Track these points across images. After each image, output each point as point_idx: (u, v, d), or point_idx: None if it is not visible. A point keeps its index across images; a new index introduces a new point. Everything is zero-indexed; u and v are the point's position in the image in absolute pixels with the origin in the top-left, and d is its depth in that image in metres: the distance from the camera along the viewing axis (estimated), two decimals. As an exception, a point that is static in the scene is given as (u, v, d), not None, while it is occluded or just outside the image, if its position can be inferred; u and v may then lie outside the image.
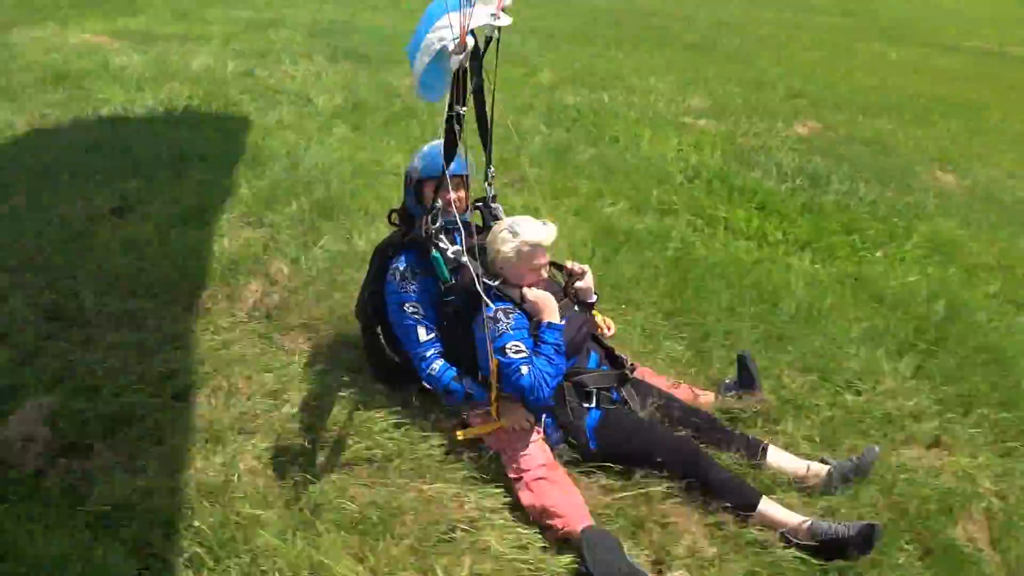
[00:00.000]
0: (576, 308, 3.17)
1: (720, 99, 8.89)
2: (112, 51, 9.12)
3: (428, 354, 3.07)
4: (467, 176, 3.21)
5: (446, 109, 2.67)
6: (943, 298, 4.74)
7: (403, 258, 3.14)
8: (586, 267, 3.27)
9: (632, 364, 3.25)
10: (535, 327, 2.93)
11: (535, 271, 3.06)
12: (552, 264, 3.23)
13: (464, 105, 2.65)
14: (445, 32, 2.55)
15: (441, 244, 2.99)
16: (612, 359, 3.25)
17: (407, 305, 3.10)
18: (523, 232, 3.00)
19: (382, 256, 3.29)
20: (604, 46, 11.98)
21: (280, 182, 5.43)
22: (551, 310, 2.94)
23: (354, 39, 10.72)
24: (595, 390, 3.05)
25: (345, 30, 11.60)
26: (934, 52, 14.69)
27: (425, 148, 3.22)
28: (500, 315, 2.89)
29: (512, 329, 2.88)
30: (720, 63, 11.02)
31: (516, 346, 2.84)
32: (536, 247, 3.01)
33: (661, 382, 3.40)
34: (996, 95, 11.31)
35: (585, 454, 2.97)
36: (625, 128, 7.49)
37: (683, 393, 3.36)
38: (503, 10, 2.57)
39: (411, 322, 3.10)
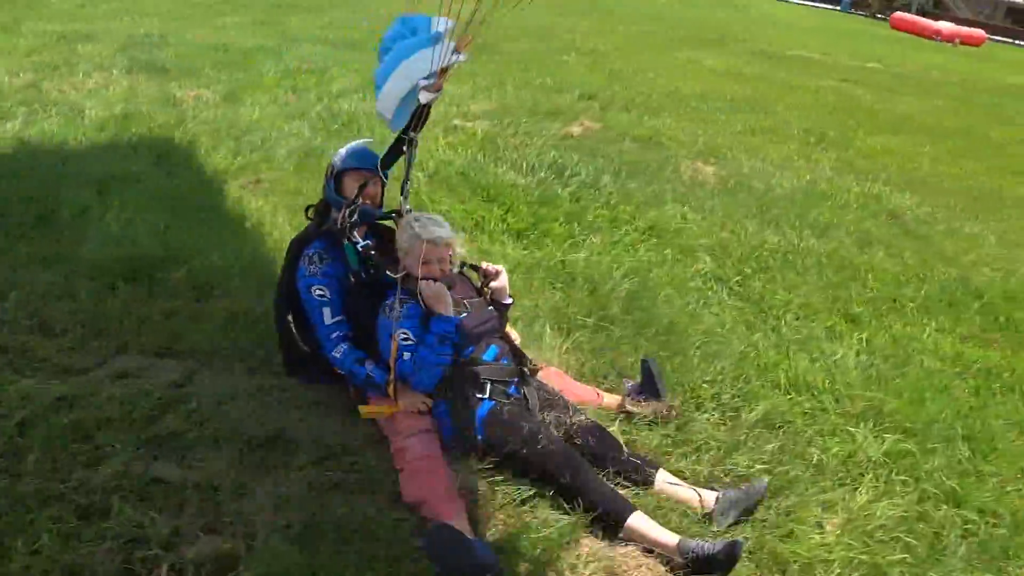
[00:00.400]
0: (491, 308, 3.27)
1: (508, 103, 8.80)
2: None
3: (333, 336, 3.21)
4: (383, 177, 3.41)
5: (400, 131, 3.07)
6: (636, 277, 4.72)
7: (315, 245, 3.30)
8: (501, 268, 3.39)
9: (534, 364, 3.32)
10: (427, 318, 3.06)
11: (430, 265, 3.15)
12: (469, 265, 3.42)
13: (418, 132, 3.05)
14: (423, 66, 2.81)
15: (353, 237, 3.18)
16: (516, 355, 3.27)
17: (315, 288, 3.23)
18: (419, 227, 3.14)
19: (298, 246, 3.37)
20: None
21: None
22: (443, 303, 3.06)
23: (162, 53, 10.11)
24: (489, 382, 3.06)
25: (157, 44, 10.98)
26: (752, 59, 15.25)
27: (353, 144, 3.48)
28: (396, 304, 3.03)
29: (403, 317, 3.04)
30: (527, 70, 11.02)
31: (403, 333, 3.03)
32: (430, 243, 3.10)
33: (566, 382, 3.48)
34: (785, 94, 11.73)
35: (472, 444, 2.99)
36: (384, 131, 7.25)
37: (586, 393, 3.44)
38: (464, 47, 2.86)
39: (316, 303, 3.23)
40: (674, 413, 3.39)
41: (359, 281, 3.21)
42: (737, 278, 4.94)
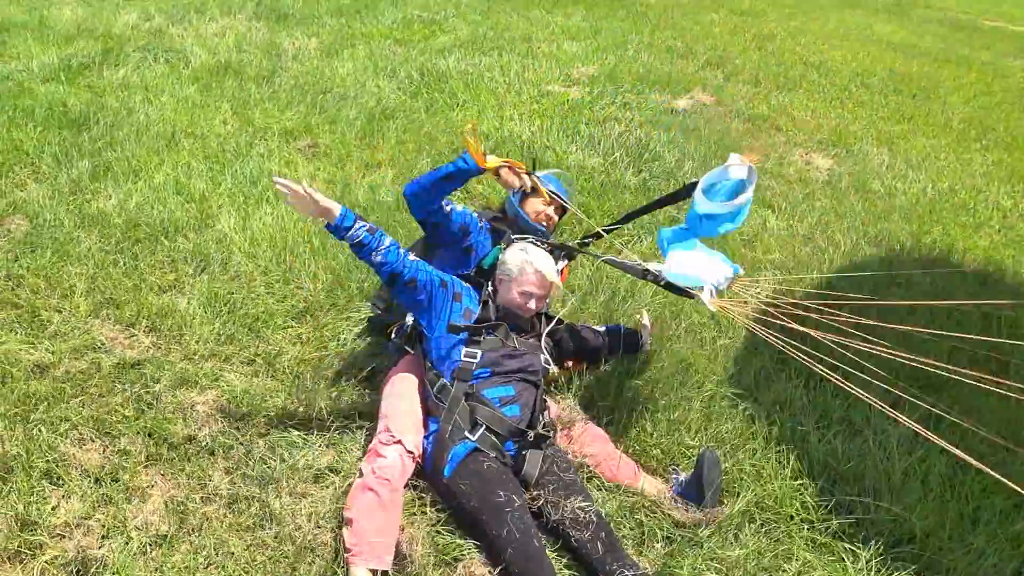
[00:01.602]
0: (543, 357, 3.16)
1: (619, 68, 8.08)
2: (57, 2, 9.06)
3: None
4: (566, 209, 3.68)
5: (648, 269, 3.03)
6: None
7: (485, 223, 3.52)
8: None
9: (549, 432, 2.93)
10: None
11: (524, 296, 3.12)
12: (545, 315, 3.36)
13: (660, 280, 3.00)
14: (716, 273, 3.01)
15: (512, 245, 3.31)
16: (533, 411, 2.93)
17: (449, 210, 3.35)
18: (531, 254, 3.18)
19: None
20: (550, 5, 11.09)
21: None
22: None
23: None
24: (483, 426, 2.80)
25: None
26: (935, 28, 13.11)
27: (553, 171, 3.80)
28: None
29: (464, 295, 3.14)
30: (659, 28, 10.08)
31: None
32: (536, 273, 3.13)
33: (605, 449, 3.03)
34: (959, 74, 9.89)
35: (437, 479, 2.75)
36: (476, 96, 6.87)
37: (623, 468, 2.97)
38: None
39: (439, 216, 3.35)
40: (714, 524, 2.78)
41: (467, 273, 3.32)
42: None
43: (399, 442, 2.76)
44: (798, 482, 3.06)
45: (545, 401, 3.06)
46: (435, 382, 2.97)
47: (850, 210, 5.42)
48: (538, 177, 3.52)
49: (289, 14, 9.16)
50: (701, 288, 2.89)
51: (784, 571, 2.70)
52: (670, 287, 2.99)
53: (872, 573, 2.71)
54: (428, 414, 2.98)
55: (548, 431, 2.89)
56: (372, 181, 5.16)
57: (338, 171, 5.30)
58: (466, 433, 2.79)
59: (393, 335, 3.35)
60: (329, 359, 3.48)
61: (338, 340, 3.61)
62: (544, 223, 3.59)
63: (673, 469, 3.03)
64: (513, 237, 3.42)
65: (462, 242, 3.44)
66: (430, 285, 3.00)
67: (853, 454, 3.20)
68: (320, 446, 3.04)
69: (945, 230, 5.27)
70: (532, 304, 3.16)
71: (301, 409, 3.19)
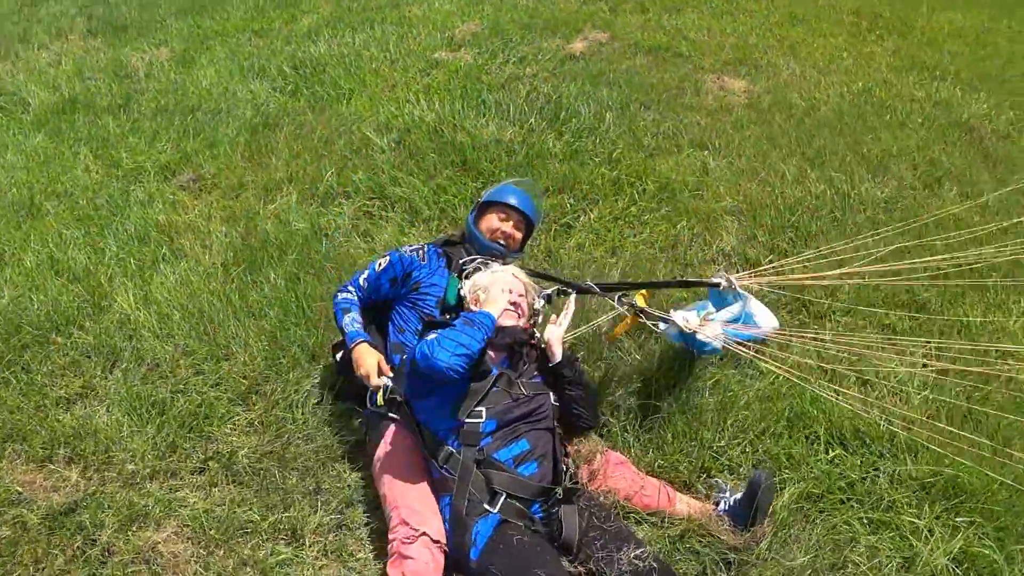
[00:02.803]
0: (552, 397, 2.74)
1: (501, 19, 7.55)
2: None
3: (349, 293, 3.09)
4: (531, 223, 3.32)
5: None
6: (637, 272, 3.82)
7: (432, 247, 3.17)
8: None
9: (579, 484, 2.58)
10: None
11: (511, 306, 2.83)
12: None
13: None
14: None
15: (467, 274, 2.97)
16: (555, 464, 2.56)
17: (382, 260, 3.07)
18: (499, 272, 2.93)
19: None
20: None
21: None
22: (493, 301, 2.75)
23: (124, 4, 9.08)
24: (504, 494, 2.42)
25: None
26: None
27: (512, 181, 3.49)
28: None
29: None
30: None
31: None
32: (513, 280, 2.89)
33: (631, 478, 2.70)
34: None
35: (464, 564, 2.37)
36: (361, 81, 6.23)
37: (654, 494, 2.66)
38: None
39: (371, 265, 3.11)
40: (765, 538, 2.55)
41: (433, 317, 2.89)
42: (770, 257, 3.97)
43: (423, 534, 2.37)
44: (831, 454, 2.88)
45: (564, 446, 2.71)
46: (438, 451, 2.57)
47: (781, 133, 5.24)
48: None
49: (127, 24, 8.10)
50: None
51: (853, 563, 2.52)
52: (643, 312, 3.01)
53: (940, 542, 2.56)
54: (435, 490, 2.59)
55: (576, 483, 2.55)
56: (277, 209, 4.57)
57: (235, 204, 4.68)
58: (485, 506, 2.43)
59: (370, 403, 2.89)
60: (294, 444, 3.01)
61: (295, 416, 3.13)
62: (501, 241, 3.19)
63: (716, 484, 2.76)
64: (462, 262, 3.05)
65: (407, 287, 3.07)
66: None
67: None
68: (317, 555, 2.61)
69: (876, 136, 5.17)
70: (519, 312, 2.85)
71: (282, 514, 2.73)
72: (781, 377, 3.13)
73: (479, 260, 3.02)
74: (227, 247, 4.17)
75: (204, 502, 2.79)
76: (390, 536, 2.44)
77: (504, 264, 3.01)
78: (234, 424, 3.12)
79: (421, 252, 3.13)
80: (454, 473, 2.49)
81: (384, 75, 6.33)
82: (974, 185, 4.66)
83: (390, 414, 2.80)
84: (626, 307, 3.00)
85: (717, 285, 3.12)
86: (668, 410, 3.01)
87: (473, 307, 2.83)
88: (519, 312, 2.85)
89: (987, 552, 2.47)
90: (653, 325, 3.00)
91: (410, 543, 2.35)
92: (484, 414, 2.55)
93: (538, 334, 2.91)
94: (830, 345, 3.23)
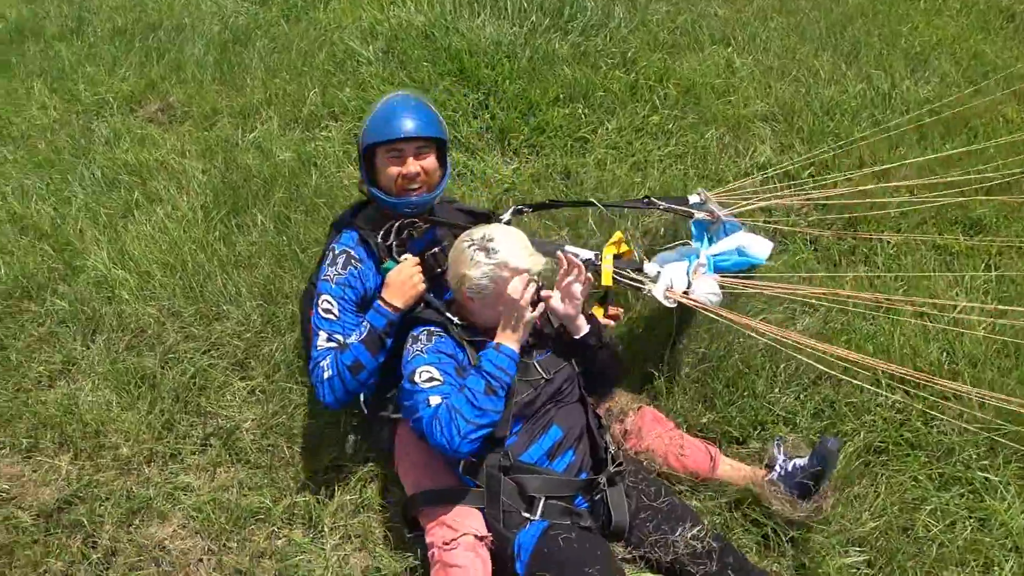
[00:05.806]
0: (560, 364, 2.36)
1: None
2: None
3: (322, 363, 2.30)
4: (442, 141, 2.43)
5: None
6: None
7: (344, 237, 2.45)
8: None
9: (623, 466, 2.26)
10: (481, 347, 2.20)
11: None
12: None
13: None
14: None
15: (394, 252, 2.38)
16: (594, 447, 2.30)
17: (323, 298, 2.35)
18: (502, 252, 2.18)
19: (333, 231, 2.56)
20: None
21: None
22: (509, 323, 2.15)
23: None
24: (543, 498, 2.18)
25: None
26: None
27: (385, 100, 2.43)
28: (423, 335, 2.24)
29: (427, 352, 2.18)
30: None
31: (427, 371, 2.13)
32: (513, 271, 2.17)
33: (668, 437, 2.43)
34: None
35: (509, 572, 2.13)
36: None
37: (695, 455, 2.42)
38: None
39: (316, 322, 2.35)
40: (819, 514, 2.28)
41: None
42: (810, 170, 3.57)
43: (465, 534, 2.13)
44: (892, 398, 2.62)
45: (599, 418, 2.43)
46: (456, 460, 2.26)
47: (810, 23, 4.70)
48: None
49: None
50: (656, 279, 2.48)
51: (924, 525, 2.31)
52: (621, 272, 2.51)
53: (1017, 498, 2.34)
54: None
55: (621, 465, 2.27)
56: (258, 138, 4.12)
57: (209, 135, 4.22)
58: (524, 514, 2.18)
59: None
60: (301, 415, 2.73)
61: (299, 382, 2.83)
62: (414, 187, 2.39)
63: (781, 441, 2.44)
64: (387, 244, 2.40)
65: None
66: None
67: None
68: (339, 541, 2.39)
69: (913, 25, 4.64)
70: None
71: (296, 497, 2.50)
72: (835, 311, 2.85)
73: (442, 246, 2.42)
74: (206, 187, 3.77)
75: (209, 487, 2.55)
76: (427, 539, 2.19)
77: (489, 239, 2.24)
78: (233, 394, 2.83)
79: (352, 260, 2.41)
80: (477, 483, 2.22)
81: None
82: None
83: (393, 415, 2.45)
84: (591, 271, 2.36)
85: (690, 215, 2.71)
86: (715, 356, 2.72)
87: (466, 304, 2.31)
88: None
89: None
90: (637, 288, 2.49)
91: (452, 548, 2.10)
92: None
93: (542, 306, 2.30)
94: (883, 274, 2.91)
